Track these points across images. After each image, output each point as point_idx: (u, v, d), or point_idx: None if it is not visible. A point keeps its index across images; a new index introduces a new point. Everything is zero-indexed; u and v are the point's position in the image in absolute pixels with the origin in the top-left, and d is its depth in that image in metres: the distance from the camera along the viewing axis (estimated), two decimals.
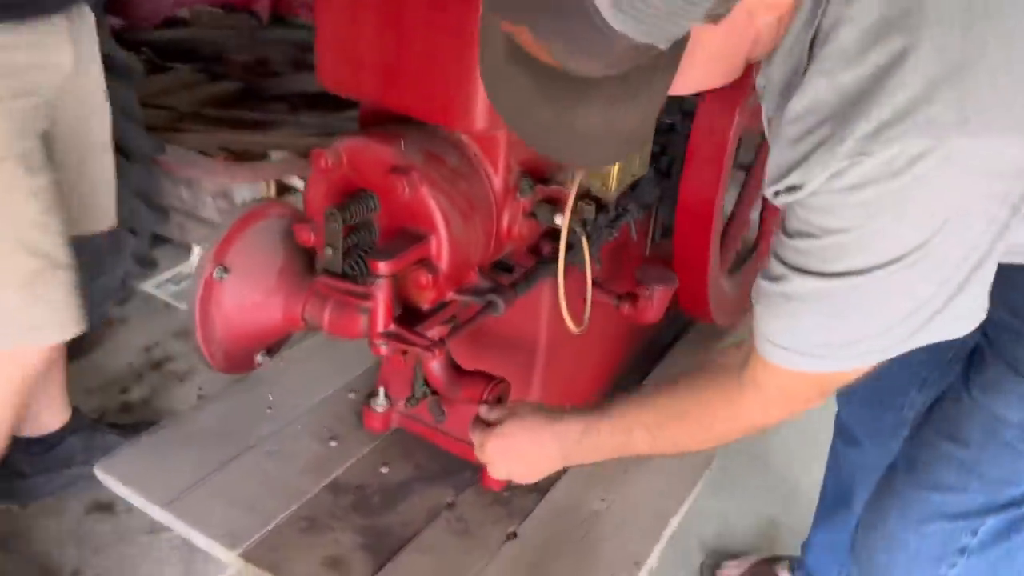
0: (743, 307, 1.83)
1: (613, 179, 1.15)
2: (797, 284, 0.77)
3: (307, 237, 1.16)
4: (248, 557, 1.25)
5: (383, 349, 1.09)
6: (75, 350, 1.87)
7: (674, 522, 1.39)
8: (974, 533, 1.02)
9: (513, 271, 1.26)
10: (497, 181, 1.14)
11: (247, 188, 2.32)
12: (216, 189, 2.38)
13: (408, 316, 1.11)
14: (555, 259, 1.26)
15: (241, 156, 2.32)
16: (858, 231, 0.72)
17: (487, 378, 1.20)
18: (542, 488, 1.42)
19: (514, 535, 1.33)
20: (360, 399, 1.58)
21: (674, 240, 1.49)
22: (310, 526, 1.32)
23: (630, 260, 1.54)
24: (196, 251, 2.48)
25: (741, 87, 1.15)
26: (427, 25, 1.04)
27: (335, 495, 1.38)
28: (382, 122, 1.17)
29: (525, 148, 1.16)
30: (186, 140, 2.33)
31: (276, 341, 1.38)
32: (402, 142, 1.08)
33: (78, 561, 1.62)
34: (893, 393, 1.32)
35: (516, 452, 1.10)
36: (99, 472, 1.37)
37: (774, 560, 1.69)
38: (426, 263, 1.07)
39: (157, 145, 2.03)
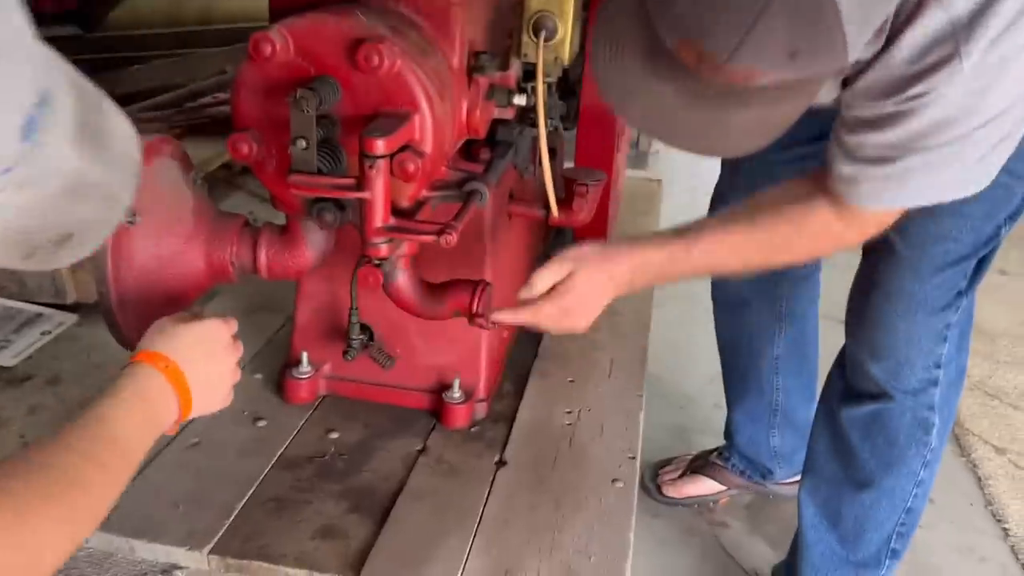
0: None
1: (566, 50, 1.09)
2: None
3: (245, 149, 0.98)
4: (223, 552, 1.03)
5: (383, 249, 0.95)
6: None
7: (642, 416, 1.37)
8: (965, 275, 1.11)
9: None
10: (455, 60, 1.04)
11: None
12: None
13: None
14: (503, 154, 1.19)
15: None
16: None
17: (470, 283, 1.10)
18: (506, 416, 1.33)
19: (503, 462, 1.23)
20: (269, 377, 1.38)
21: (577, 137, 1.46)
22: (279, 506, 1.12)
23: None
24: None
25: None
26: None
27: (291, 470, 1.18)
28: (298, 10, 1.01)
29: (475, 27, 1.09)
30: None
31: (191, 304, 1.16)
32: (359, 14, 0.95)
33: None
34: None
35: (587, 307, 1.07)
36: None
37: (705, 454, 1.73)
38: (411, 148, 0.95)
39: None
